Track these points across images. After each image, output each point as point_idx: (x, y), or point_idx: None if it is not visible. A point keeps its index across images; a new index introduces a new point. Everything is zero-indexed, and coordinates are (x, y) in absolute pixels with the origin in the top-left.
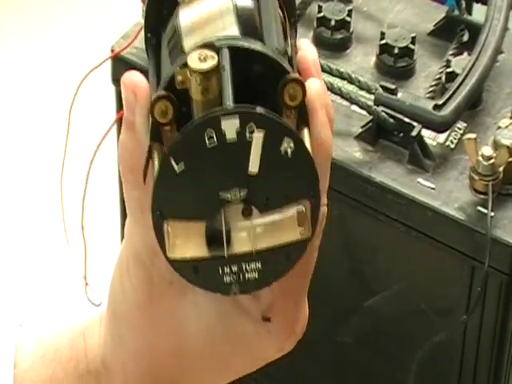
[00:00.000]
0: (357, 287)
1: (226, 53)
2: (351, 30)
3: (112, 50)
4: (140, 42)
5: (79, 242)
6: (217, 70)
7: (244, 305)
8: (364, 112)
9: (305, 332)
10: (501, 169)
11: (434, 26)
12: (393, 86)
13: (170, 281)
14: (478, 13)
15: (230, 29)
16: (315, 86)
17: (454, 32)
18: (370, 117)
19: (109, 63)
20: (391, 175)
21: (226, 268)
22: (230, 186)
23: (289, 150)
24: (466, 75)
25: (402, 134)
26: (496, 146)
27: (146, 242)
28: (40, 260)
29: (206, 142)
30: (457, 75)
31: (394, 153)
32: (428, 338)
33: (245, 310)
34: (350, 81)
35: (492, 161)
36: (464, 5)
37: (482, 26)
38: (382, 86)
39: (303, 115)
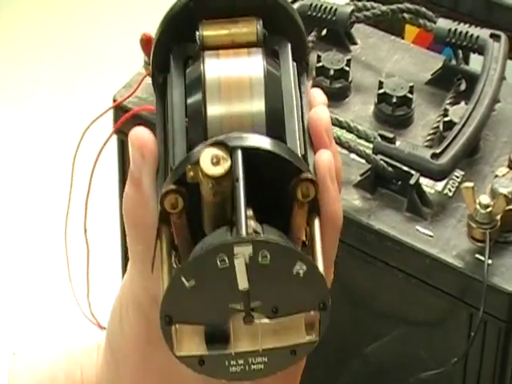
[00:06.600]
0: (356, 333)
1: (239, 157)
2: (350, 79)
3: (114, 100)
4: (142, 92)
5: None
6: (229, 174)
7: None
8: (363, 160)
9: (305, 378)
10: (498, 217)
11: (432, 75)
12: (391, 135)
13: None
14: (475, 63)
15: (258, 102)
16: (325, 159)
17: (452, 81)
18: (369, 165)
19: (111, 112)
20: (390, 223)
21: (232, 361)
22: (239, 300)
23: (301, 272)
24: (464, 124)
25: (400, 183)
26: (493, 194)
27: (146, 290)
28: (35, 287)
29: (218, 264)
30: (454, 124)
31: (393, 201)
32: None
33: None
34: (349, 129)
35: (489, 209)
36: (461, 55)
37: (479, 75)
38: (380, 135)
39: (314, 204)
